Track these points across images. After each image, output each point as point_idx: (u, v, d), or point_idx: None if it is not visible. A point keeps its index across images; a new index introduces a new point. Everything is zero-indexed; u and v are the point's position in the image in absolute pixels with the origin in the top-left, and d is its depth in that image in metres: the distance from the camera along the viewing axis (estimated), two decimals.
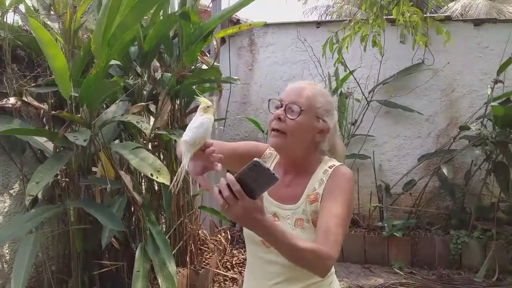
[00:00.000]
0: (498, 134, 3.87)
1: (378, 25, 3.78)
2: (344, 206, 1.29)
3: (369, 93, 4.64)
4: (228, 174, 1.02)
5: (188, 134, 1.21)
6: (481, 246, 4.03)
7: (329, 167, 1.39)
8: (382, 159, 4.79)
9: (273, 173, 0.99)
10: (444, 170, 4.12)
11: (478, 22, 4.49)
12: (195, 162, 1.22)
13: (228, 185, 1.01)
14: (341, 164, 1.41)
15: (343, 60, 4.21)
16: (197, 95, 1.30)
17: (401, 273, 4.05)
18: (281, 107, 1.38)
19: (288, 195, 1.40)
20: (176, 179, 1.24)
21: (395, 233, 4.18)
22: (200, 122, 1.23)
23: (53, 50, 2.09)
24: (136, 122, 2.27)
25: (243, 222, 1.07)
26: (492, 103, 3.79)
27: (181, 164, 1.23)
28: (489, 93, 4.02)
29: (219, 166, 1.20)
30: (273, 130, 1.37)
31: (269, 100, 1.44)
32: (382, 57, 4.42)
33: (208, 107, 1.26)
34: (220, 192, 1.02)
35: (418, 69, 4.60)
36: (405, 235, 4.25)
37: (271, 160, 1.52)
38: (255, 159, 1.00)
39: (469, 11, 11.12)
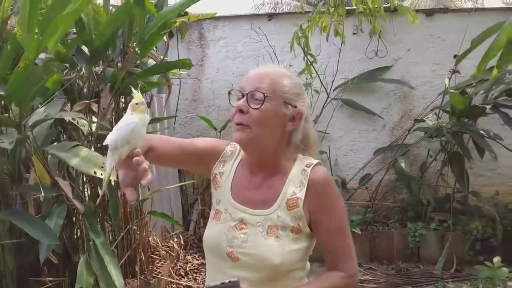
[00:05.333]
0: (454, 125, 3.85)
1: (338, 14, 3.69)
2: (339, 214, 1.23)
3: (334, 90, 4.53)
4: None
5: (109, 137, 1.04)
6: (438, 237, 4.02)
7: (306, 166, 1.23)
8: (337, 154, 4.70)
9: (230, 281, 1.06)
10: (401, 163, 4.07)
11: (429, 12, 4.48)
12: (125, 172, 1.04)
13: None
14: (318, 162, 1.25)
15: (311, 53, 4.11)
16: (138, 89, 1.10)
17: (361, 269, 3.96)
18: (243, 97, 1.20)
19: (258, 199, 1.23)
20: (103, 189, 1.13)
21: (353, 229, 4.08)
22: (124, 123, 1.05)
23: None
24: (72, 118, 2.01)
25: None
26: (451, 90, 3.75)
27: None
28: (447, 83, 3.98)
29: (145, 180, 1.02)
30: (236, 124, 1.20)
31: (229, 92, 1.26)
32: (341, 45, 4.33)
33: (137, 104, 1.06)
34: None
35: (383, 72, 4.52)
36: (363, 230, 4.18)
37: (233, 158, 1.33)
38: (206, 286, 1.09)
39: (419, 5, 11.29)
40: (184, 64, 2.94)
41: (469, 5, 11.19)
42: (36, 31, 2.00)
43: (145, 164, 1.03)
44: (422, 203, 4.32)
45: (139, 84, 1.14)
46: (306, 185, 1.20)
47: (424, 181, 4.35)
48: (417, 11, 4.23)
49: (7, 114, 2.16)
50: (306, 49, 4.04)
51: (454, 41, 4.20)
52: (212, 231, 1.27)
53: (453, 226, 3.94)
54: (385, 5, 4.08)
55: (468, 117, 3.94)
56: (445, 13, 4.46)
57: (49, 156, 2.41)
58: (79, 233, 2.68)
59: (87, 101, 2.59)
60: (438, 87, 4.38)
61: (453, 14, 4.47)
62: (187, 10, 4.39)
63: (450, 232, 3.92)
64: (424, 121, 4.09)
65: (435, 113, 4.21)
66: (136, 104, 1.06)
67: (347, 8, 4.08)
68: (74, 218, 2.64)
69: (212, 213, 1.32)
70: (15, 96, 2.04)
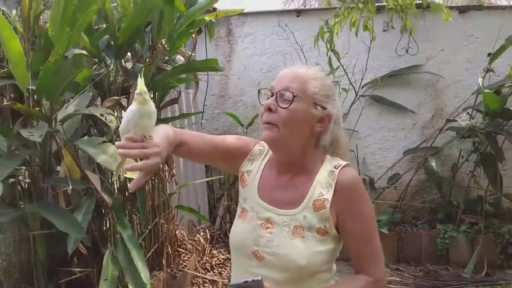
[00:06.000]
0: (488, 125, 3.75)
1: (368, 9, 3.65)
2: (367, 217, 1.21)
3: (362, 87, 4.49)
4: None
5: None
6: (468, 240, 3.92)
7: (334, 167, 1.21)
8: (365, 152, 4.65)
9: (253, 280, 1.06)
10: (433, 163, 3.98)
11: (463, 9, 4.37)
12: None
13: None
14: (347, 164, 1.23)
15: (335, 49, 4.07)
16: (141, 79, 1.08)
17: (388, 270, 3.90)
18: (272, 96, 1.19)
19: (284, 199, 1.22)
20: (117, 169, 1.15)
21: (380, 229, 4.01)
22: (126, 111, 1.09)
23: (6, 32, 1.85)
24: (100, 114, 2.04)
25: None
26: (485, 90, 3.64)
27: None
28: (480, 82, 3.88)
29: (148, 161, 1.02)
30: (265, 123, 1.19)
31: (259, 91, 1.27)
32: (370, 42, 4.27)
33: (137, 94, 1.04)
34: None
35: (414, 71, 4.44)
36: (391, 230, 4.11)
37: (261, 157, 1.33)
38: (230, 285, 1.09)
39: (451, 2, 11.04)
40: (211, 65, 2.93)
41: (503, 2, 10.86)
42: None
43: (152, 150, 1.02)
44: (453, 204, 4.22)
45: (141, 74, 1.12)
46: (333, 187, 1.18)
47: (455, 182, 4.25)
48: (450, 8, 4.13)
49: (38, 108, 2.20)
50: (330, 45, 3.99)
51: (488, 39, 4.10)
52: (238, 229, 1.27)
53: (484, 229, 3.83)
54: (417, 1, 3.99)
55: (502, 117, 3.82)
56: (479, 10, 4.35)
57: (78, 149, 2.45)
58: (108, 225, 2.72)
59: (117, 97, 2.62)
60: (471, 86, 4.27)
61: (487, 11, 4.36)
62: (215, 6, 4.41)
63: (481, 235, 3.81)
64: (456, 120, 4.00)
65: (468, 113, 4.11)
66: (136, 94, 1.06)
67: (376, 4, 4.01)
68: (103, 211, 2.68)
69: (238, 211, 1.32)
70: (45, 90, 2.07)
